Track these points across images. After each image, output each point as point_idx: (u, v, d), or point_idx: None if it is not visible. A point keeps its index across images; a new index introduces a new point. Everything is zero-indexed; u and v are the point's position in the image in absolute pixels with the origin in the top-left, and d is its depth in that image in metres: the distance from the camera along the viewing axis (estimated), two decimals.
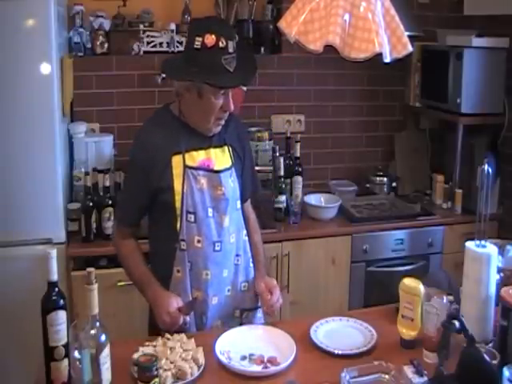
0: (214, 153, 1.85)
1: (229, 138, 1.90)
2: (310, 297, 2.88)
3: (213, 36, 1.68)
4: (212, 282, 1.84)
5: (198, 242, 1.81)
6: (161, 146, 1.79)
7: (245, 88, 1.78)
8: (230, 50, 1.70)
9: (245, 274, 1.93)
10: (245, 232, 1.94)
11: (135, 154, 1.87)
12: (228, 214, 1.85)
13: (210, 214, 1.82)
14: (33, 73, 2.49)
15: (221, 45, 1.68)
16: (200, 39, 1.69)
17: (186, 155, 1.80)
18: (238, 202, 1.90)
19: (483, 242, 1.69)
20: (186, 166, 1.79)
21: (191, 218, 1.79)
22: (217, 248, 1.83)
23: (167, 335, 1.67)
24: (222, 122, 1.83)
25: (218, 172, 1.83)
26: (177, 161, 1.79)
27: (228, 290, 1.89)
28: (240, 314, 1.91)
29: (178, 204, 1.78)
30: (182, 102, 1.82)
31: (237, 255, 1.90)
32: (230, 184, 1.86)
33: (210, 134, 1.84)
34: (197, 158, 1.82)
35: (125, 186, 1.96)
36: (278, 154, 3.06)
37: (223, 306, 1.88)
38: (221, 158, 1.86)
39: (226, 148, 1.88)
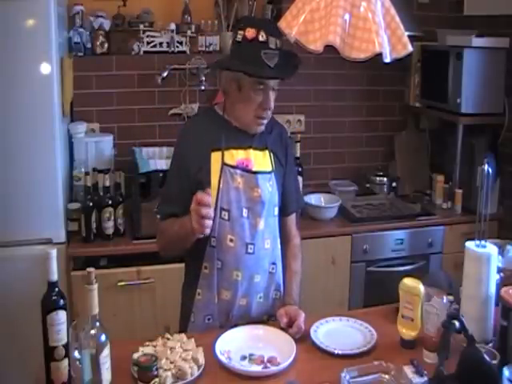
0: (254, 154, 1.85)
1: (271, 144, 1.89)
2: (310, 297, 2.88)
3: (253, 29, 1.72)
4: (242, 284, 1.83)
5: (231, 241, 1.80)
6: (201, 142, 1.81)
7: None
8: (271, 46, 1.71)
9: (277, 282, 1.92)
10: (279, 240, 1.92)
11: (177, 149, 1.91)
12: (263, 217, 1.83)
13: (245, 215, 1.81)
14: (33, 73, 2.49)
15: (261, 38, 1.71)
16: (242, 32, 1.73)
17: (225, 153, 1.81)
18: (276, 209, 1.88)
19: (483, 242, 1.69)
20: (224, 164, 1.80)
21: (225, 215, 1.79)
22: (249, 250, 1.82)
23: (167, 335, 1.67)
24: (264, 122, 1.81)
25: (255, 173, 1.82)
26: (216, 157, 1.80)
27: (260, 298, 1.88)
28: (267, 318, 1.90)
29: (213, 199, 1.76)
30: (227, 99, 1.85)
31: (273, 263, 1.89)
32: (268, 188, 1.84)
33: (252, 133, 1.84)
34: (235, 156, 1.82)
35: (167, 182, 1.93)
36: None
37: (252, 311, 1.87)
38: (260, 160, 1.86)
39: (267, 152, 1.87)
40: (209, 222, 1.62)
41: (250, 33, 1.72)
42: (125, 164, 2.99)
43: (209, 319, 1.85)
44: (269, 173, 1.86)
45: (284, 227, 1.99)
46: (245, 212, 1.81)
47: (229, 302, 1.84)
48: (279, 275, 1.92)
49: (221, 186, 1.79)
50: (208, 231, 1.64)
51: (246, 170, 1.82)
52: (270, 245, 1.87)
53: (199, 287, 1.84)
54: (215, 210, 1.78)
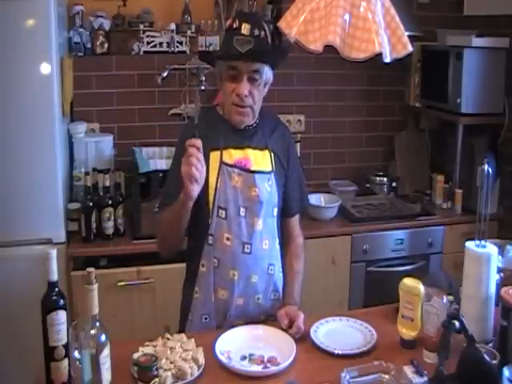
0: (253, 154, 1.85)
1: (272, 144, 1.89)
2: (310, 297, 2.88)
3: (231, 19, 1.80)
4: (238, 284, 1.82)
5: (228, 239, 1.80)
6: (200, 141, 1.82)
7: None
8: (243, 32, 1.74)
9: (276, 283, 1.91)
10: (278, 241, 1.92)
11: (178, 148, 1.92)
12: (261, 217, 1.83)
13: (242, 214, 1.81)
14: (33, 73, 2.49)
15: (234, 25, 1.76)
16: None
17: (224, 152, 1.82)
18: (275, 209, 1.88)
19: (483, 242, 1.69)
20: (222, 162, 1.81)
21: (222, 213, 1.80)
22: (246, 250, 1.82)
23: (167, 335, 1.67)
24: (243, 111, 1.80)
25: (253, 172, 1.83)
26: (214, 156, 1.81)
27: (258, 298, 1.88)
28: (265, 319, 1.90)
29: (210, 198, 1.78)
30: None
31: (270, 264, 1.88)
32: (267, 188, 1.84)
33: (237, 126, 1.84)
34: (234, 156, 1.83)
35: (167, 180, 1.95)
36: None
37: (250, 312, 1.87)
38: (260, 160, 1.86)
39: (267, 152, 1.87)
40: (195, 161, 1.60)
41: (228, 22, 1.81)
42: (125, 164, 2.99)
43: (206, 318, 1.85)
44: (268, 173, 1.86)
45: (287, 228, 1.98)
46: (242, 211, 1.81)
47: (226, 302, 1.84)
48: (278, 276, 1.92)
49: (218, 184, 1.79)
50: (197, 175, 1.61)
51: (244, 169, 1.82)
52: (268, 245, 1.86)
53: (197, 285, 1.85)
54: (212, 208, 1.79)
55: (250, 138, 1.86)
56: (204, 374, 1.54)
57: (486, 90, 3.11)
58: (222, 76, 1.82)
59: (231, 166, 1.81)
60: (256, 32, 1.74)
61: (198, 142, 1.63)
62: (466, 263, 1.70)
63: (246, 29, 1.74)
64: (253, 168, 1.83)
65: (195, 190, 1.65)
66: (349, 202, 3.24)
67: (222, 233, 1.80)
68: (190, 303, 1.87)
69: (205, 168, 1.66)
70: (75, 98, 2.96)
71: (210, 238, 1.81)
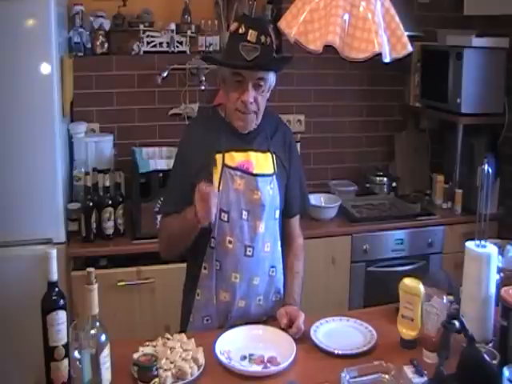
0: (255, 156, 1.84)
1: (274, 147, 1.88)
2: (310, 297, 2.87)
3: (236, 23, 1.77)
4: (240, 287, 1.82)
5: (230, 242, 1.80)
6: (202, 143, 1.82)
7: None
8: (250, 39, 1.71)
9: (277, 285, 1.92)
10: (279, 243, 1.91)
11: (179, 149, 1.92)
12: (264, 220, 1.82)
13: (245, 217, 1.80)
14: (33, 73, 2.49)
15: (240, 31, 1.73)
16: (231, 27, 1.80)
17: (226, 155, 1.80)
18: (277, 212, 1.87)
19: (483, 242, 1.69)
20: (224, 165, 1.80)
21: (224, 216, 1.79)
22: (248, 253, 1.81)
23: (167, 335, 1.67)
24: (246, 117, 1.80)
25: (255, 176, 1.82)
26: (216, 159, 1.80)
27: (259, 300, 1.88)
28: (266, 319, 1.90)
29: None
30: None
31: (272, 266, 1.88)
32: (269, 191, 1.83)
33: (242, 131, 1.83)
34: (236, 158, 1.82)
35: (169, 182, 1.94)
36: None
37: (252, 313, 1.87)
38: (262, 163, 1.85)
39: (269, 155, 1.87)
40: (214, 210, 1.64)
41: (233, 26, 1.77)
42: (125, 164, 2.99)
43: (207, 320, 1.85)
44: (270, 175, 1.85)
45: (287, 228, 1.98)
46: (244, 214, 1.80)
47: (228, 304, 1.84)
48: (279, 278, 1.92)
49: (221, 187, 1.78)
50: (213, 219, 1.66)
51: (247, 172, 1.81)
52: (269, 248, 1.86)
53: (199, 288, 1.85)
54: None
55: (252, 140, 1.85)
56: (204, 374, 1.54)
57: (486, 90, 3.11)
58: (225, 79, 1.81)
59: (233, 168, 1.80)
60: (262, 39, 1.73)
61: (214, 192, 1.64)
62: (466, 263, 1.70)
63: (252, 36, 1.72)
64: (255, 171, 1.82)
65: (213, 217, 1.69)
66: (349, 202, 3.24)
67: (225, 236, 1.80)
68: (191, 305, 1.87)
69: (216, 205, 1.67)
70: (75, 97, 2.96)
71: (213, 240, 1.80)
